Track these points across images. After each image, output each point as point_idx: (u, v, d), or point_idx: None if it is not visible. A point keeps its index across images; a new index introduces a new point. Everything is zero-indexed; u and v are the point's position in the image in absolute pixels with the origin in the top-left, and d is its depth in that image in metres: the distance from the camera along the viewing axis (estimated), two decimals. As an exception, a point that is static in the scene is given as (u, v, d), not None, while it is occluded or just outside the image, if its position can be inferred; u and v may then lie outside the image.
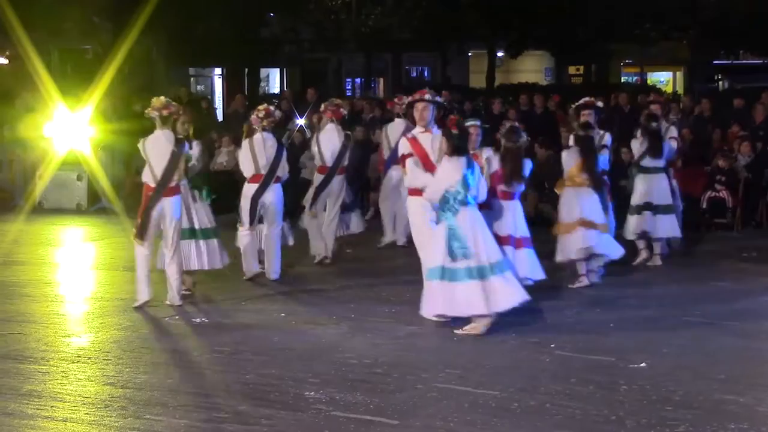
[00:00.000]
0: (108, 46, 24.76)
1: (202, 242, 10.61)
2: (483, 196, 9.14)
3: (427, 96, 9.66)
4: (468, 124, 10.18)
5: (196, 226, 10.61)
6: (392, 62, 39.46)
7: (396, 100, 14.18)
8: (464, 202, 8.95)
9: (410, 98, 9.93)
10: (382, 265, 12.50)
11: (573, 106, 12.06)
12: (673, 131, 12.88)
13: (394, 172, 12.94)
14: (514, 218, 10.11)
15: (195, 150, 10.64)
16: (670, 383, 7.54)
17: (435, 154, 9.37)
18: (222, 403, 7.14)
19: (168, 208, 10.08)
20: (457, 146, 8.99)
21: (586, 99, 11.85)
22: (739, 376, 7.76)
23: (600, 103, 11.76)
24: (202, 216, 10.64)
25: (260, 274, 11.41)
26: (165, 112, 10.13)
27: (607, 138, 11.57)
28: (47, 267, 12.96)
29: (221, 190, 12.42)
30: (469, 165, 8.98)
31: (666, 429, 6.63)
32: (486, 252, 8.93)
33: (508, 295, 8.96)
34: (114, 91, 18.92)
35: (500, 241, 9.68)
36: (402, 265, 12.14)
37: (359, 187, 15.76)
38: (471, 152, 9.85)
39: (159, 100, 10.24)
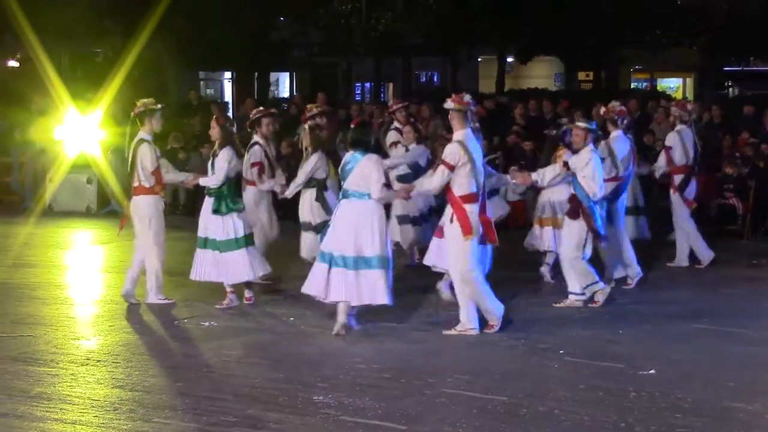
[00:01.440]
0: (118, 49, 24.83)
1: (210, 253, 10.43)
2: (375, 194, 9.03)
3: (445, 104, 9.48)
4: (581, 125, 10.17)
5: (209, 236, 10.46)
6: (402, 67, 39.45)
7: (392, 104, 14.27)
8: (346, 194, 9.09)
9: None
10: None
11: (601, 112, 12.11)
12: (670, 139, 12.55)
13: None
14: None
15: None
16: (679, 390, 7.52)
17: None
18: (230, 406, 7.15)
19: (138, 206, 10.36)
20: (351, 140, 9.22)
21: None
22: (749, 384, 7.74)
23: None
24: (225, 227, 10.40)
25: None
26: (132, 115, 10.50)
27: (614, 148, 11.26)
28: (57, 269, 12.99)
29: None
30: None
31: (675, 436, 6.63)
32: (358, 245, 8.98)
33: (368, 291, 9.01)
34: (124, 95, 18.95)
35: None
36: (408, 270, 12.16)
37: None
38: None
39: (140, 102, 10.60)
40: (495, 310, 9.27)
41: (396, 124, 13.20)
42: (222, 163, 10.29)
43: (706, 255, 12.67)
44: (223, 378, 7.91)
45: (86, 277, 12.43)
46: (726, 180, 15.23)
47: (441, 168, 9.12)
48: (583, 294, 10.26)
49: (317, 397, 7.35)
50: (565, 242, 10.35)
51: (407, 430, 6.74)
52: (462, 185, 9.10)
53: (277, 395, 7.40)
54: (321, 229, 11.35)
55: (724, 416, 7.02)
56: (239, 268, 10.36)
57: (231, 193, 10.44)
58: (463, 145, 9.06)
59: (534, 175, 10.32)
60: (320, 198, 11.47)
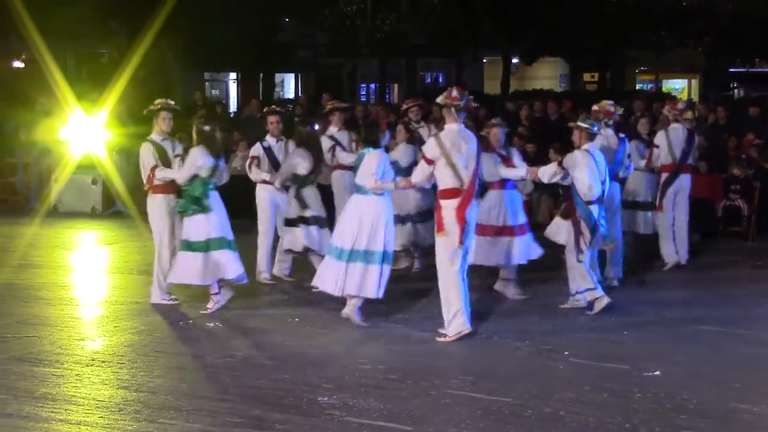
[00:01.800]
0: (123, 50, 24.87)
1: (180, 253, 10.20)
2: (367, 185, 9.45)
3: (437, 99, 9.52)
4: (579, 125, 10.24)
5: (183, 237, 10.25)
6: (407, 68, 39.48)
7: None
8: (357, 189, 9.63)
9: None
10: (394, 271, 12.47)
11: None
12: (657, 138, 12.59)
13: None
14: (505, 208, 10.65)
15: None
16: (684, 391, 7.52)
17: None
18: (235, 407, 7.15)
19: (147, 207, 10.59)
20: (362, 138, 9.98)
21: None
22: (754, 385, 7.74)
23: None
24: (187, 228, 10.10)
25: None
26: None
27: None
28: (62, 270, 13.00)
29: (236, 193, 12.43)
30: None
31: (680, 437, 6.63)
32: (360, 238, 9.41)
33: (360, 282, 9.41)
34: (129, 95, 18.99)
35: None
36: (414, 271, 12.16)
37: None
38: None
39: None
40: (455, 319, 9.03)
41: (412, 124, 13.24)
42: (188, 160, 10.16)
43: (672, 257, 12.58)
44: (228, 379, 7.92)
45: (91, 278, 12.44)
46: (731, 181, 15.21)
47: (421, 162, 9.40)
48: (577, 295, 10.24)
49: (322, 398, 7.35)
50: (569, 243, 10.37)
51: (412, 431, 6.74)
52: (440, 179, 9.16)
53: (282, 396, 7.41)
54: (293, 224, 11.38)
55: (730, 417, 7.01)
56: (182, 268, 10.04)
57: (201, 192, 10.08)
58: (438, 140, 9.15)
59: (539, 172, 10.42)
60: (298, 195, 11.35)
